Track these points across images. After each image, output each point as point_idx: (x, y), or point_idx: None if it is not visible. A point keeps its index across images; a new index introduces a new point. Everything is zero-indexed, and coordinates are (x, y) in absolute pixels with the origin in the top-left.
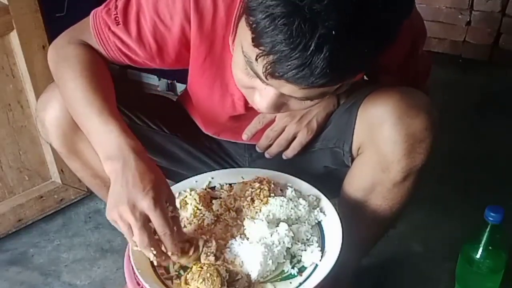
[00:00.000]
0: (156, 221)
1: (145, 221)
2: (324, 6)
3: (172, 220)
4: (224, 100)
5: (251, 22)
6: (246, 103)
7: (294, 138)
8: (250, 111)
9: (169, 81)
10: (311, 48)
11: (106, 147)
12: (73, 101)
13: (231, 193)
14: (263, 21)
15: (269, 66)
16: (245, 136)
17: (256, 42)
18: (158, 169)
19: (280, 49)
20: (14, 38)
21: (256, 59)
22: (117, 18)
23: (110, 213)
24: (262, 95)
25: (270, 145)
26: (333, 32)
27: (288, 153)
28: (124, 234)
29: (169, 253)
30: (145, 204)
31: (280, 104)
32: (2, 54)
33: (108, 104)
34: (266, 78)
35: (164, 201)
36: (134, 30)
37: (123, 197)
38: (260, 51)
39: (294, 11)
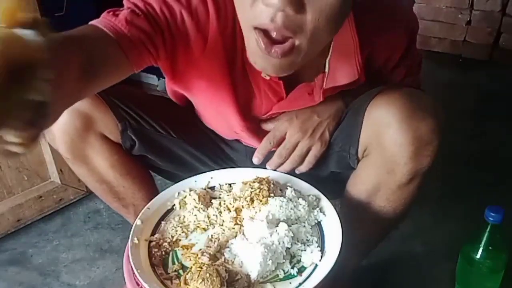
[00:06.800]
0: None
1: None
2: None
3: None
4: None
5: None
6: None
7: (307, 153)
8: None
9: None
10: None
11: None
12: None
13: (231, 193)
14: None
15: None
16: (255, 160)
17: None
18: None
19: None
20: None
21: None
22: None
23: None
24: None
25: (282, 163)
26: None
27: (302, 168)
28: None
29: None
30: None
31: None
32: None
33: None
34: None
35: None
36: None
37: None
38: None
39: None
